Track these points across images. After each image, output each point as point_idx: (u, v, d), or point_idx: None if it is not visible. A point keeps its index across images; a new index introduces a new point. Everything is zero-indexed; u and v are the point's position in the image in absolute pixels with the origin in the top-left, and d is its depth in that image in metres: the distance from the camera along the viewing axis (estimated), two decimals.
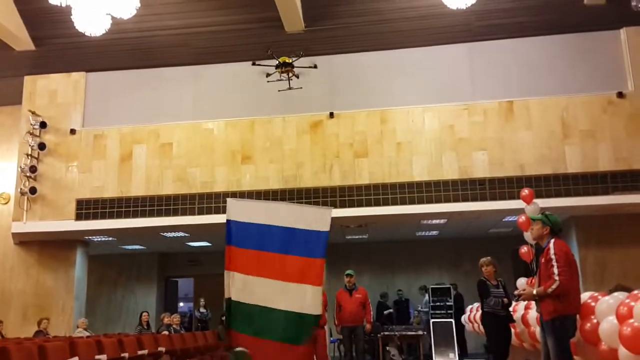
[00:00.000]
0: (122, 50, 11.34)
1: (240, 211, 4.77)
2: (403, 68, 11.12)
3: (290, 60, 8.76)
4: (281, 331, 4.62)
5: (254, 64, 8.63)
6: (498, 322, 6.70)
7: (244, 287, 4.58)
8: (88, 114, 11.74)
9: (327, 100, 11.08)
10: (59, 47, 11.45)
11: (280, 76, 9.29)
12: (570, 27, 10.61)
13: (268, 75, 9.13)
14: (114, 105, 11.77)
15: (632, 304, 3.91)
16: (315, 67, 8.77)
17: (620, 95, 10.24)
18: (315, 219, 4.91)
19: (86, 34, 8.64)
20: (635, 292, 4.10)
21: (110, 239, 12.23)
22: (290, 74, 9.14)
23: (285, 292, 4.61)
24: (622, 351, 3.94)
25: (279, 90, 10.34)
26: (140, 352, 7.16)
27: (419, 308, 13.41)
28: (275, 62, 9.96)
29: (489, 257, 6.99)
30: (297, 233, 4.78)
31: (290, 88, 10.45)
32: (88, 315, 11.74)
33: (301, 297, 4.64)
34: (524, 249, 8.45)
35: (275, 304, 4.60)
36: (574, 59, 10.65)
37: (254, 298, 4.56)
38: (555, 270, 4.60)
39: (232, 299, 4.51)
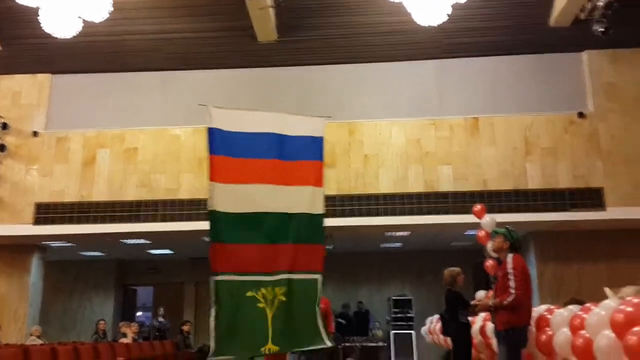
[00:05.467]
0: (91, 53, 11.14)
1: (224, 119, 4.46)
2: (372, 81, 11.24)
3: None
4: (296, 233, 4.42)
5: None
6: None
7: (236, 196, 4.32)
8: (52, 116, 11.46)
9: (296, 110, 11.00)
10: (25, 48, 11.20)
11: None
12: (535, 47, 10.92)
13: None
14: (79, 108, 11.51)
15: (585, 316, 4.03)
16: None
17: (580, 115, 10.57)
18: (308, 125, 4.76)
19: (55, 36, 8.48)
20: (588, 304, 4.22)
21: (69, 244, 11.93)
22: None
23: (288, 195, 4.43)
24: None
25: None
26: None
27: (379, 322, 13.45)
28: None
29: (458, 268, 6.80)
30: (290, 139, 4.59)
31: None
32: (42, 323, 11.36)
33: (307, 199, 4.50)
34: (489, 262, 8.56)
35: (281, 208, 4.40)
36: (538, 79, 10.95)
37: (254, 206, 4.23)
38: (512, 284, 4.80)
39: (220, 210, 4.27)
